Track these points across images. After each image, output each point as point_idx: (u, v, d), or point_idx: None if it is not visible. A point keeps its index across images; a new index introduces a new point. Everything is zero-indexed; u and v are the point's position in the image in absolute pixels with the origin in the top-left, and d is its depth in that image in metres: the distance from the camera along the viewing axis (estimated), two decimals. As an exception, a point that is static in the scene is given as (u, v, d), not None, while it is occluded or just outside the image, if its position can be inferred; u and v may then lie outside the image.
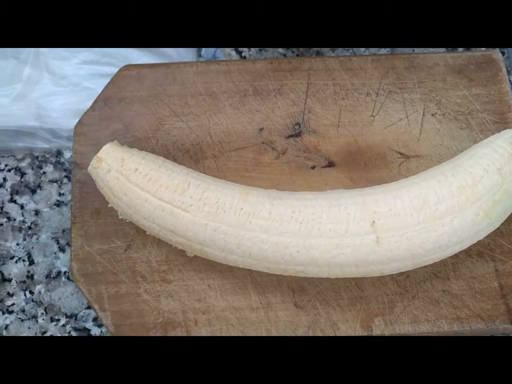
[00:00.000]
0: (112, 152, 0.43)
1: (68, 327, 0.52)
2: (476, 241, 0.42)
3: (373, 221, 0.39)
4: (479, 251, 0.46)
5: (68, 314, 0.52)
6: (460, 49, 0.60)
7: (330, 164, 0.48)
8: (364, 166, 0.48)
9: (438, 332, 0.45)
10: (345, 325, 0.45)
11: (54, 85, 0.56)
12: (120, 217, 0.46)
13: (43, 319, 0.52)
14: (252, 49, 0.60)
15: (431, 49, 0.59)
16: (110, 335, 0.46)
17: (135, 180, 0.42)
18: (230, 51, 0.59)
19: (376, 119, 0.49)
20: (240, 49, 0.60)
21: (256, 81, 0.50)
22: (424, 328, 0.45)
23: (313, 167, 0.48)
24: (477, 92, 0.49)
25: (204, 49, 0.60)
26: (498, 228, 0.44)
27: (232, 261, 0.42)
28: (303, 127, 0.49)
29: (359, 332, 0.45)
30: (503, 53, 0.59)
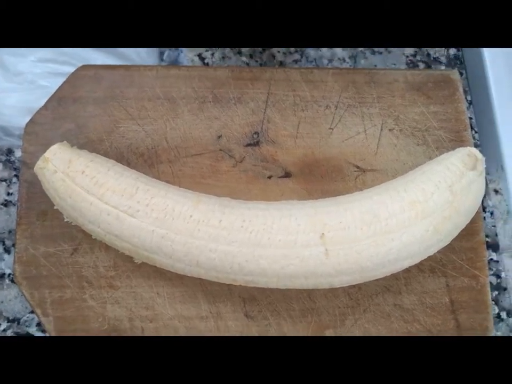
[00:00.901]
0: (60, 153, 0.42)
1: (10, 332, 0.50)
2: (426, 257, 0.42)
3: (323, 233, 0.38)
4: (431, 266, 0.46)
5: (10, 318, 0.50)
6: (420, 66, 0.60)
7: (287, 174, 0.48)
8: (320, 178, 0.48)
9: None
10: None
11: (7, 81, 0.54)
12: (65, 220, 0.44)
13: (-18, 325, 0.49)
14: (215, 56, 0.59)
15: (392, 66, 0.59)
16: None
17: (80, 182, 0.40)
18: (193, 56, 0.58)
19: (334, 132, 0.49)
20: (203, 55, 0.59)
21: (216, 88, 0.50)
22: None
23: (270, 177, 0.48)
24: (435, 110, 0.50)
25: (166, 53, 0.59)
26: (450, 244, 0.45)
27: (180, 269, 0.41)
28: (262, 137, 0.49)
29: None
30: (461, 73, 0.60)
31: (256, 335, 0.45)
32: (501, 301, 0.52)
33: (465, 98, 0.58)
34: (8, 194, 0.53)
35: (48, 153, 0.42)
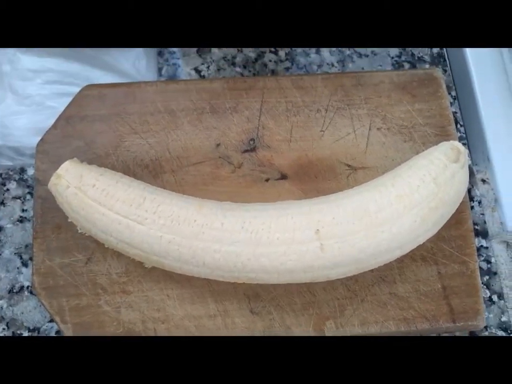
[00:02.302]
0: (71, 169, 0.45)
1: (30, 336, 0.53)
2: (415, 246, 0.45)
3: (317, 229, 0.41)
4: (422, 255, 0.49)
5: (31, 328, 0.53)
6: (406, 66, 0.63)
7: (283, 177, 0.51)
8: (314, 178, 0.51)
9: (386, 332, 0.48)
10: (299, 328, 0.48)
11: (17, 104, 0.57)
12: (79, 231, 0.47)
13: (5, 334, 0.52)
14: (210, 68, 0.62)
15: (378, 67, 0.62)
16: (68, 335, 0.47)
17: (92, 195, 0.43)
18: (190, 70, 0.62)
19: (325, 134, 0.52)
20: (199, 68, 0.62)
21: (213, 99, 0.53)
22: (373, 330, 0.48)
23: (267, 180, 0.51)
24: (420, 107, 0.53)
25: (164, 69, 0.62)
26: (440, 233, 0.47)
27: (188, 270, 0.44)
28: (258, 143, 0.52)
29: (311, 334, 0.48)
30: (445, 70, 0.63)
31: (262, 329, 0.48)
32: (492, 285, 0.55)
33: (450, 93, 0.61)
34: (23, 211, 0.57)
35: (60, 170, 0.45)
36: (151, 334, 0.48)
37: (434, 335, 0.52)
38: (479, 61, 0.61)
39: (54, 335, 0.53)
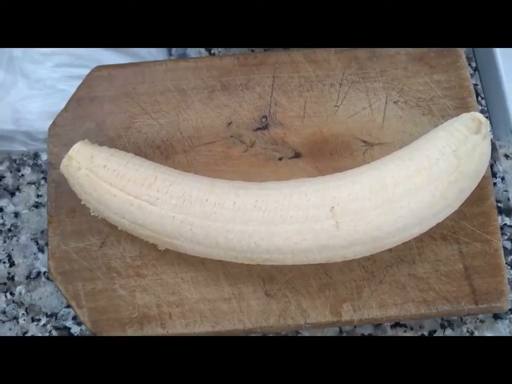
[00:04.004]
0: (82, 150, 0.45)
1: (49, 326, 0.53)
2: (435, 223, 0.43)
3: (332, 206, 0.40)
4: (442, 234, 0.47)
5: (48, 313, 0.53)
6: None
7: (297, 155, 0.50)
8: (329, 156, 0.49)
9: (406, 315, 0.47)
10: (315, 311, 0.47)
11: (29, 88, 0.57)
12: (92, 214, 0.47)
13: (24, 320, 0.53)
14: (220, 45, 0.61)
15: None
16: (90, 335, 0.48)
17: (103, 176, 0.43)
18: (200, 49, 0.60)
19: (340, 109, 0.50)
20: (210, 45, 0.61)
21: (223, 76, 0.51)
22: (392, 312, 0.47)
23: (280, 159, 0.50)
24: (438, 79, 0.50)
25: (174, 48, 0.61)
26: (461, 210, 0.46)
27: (201, 251, 0.44)
28: (270, 120, 0.51)
29: (328, 318, 0.47)
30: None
31: (277, 312, 0.47)
32: (517, 265, 0.53)
33: (470, 65, 0.59)
34: (38, 196, 0.57)
35: (71, 152, 0.44)
36: (166, 317, 0.47)
37: (455, 317, 0.51)
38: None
39: (61, 335, 0.53)
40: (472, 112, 0.44)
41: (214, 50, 0.61)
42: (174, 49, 0.61)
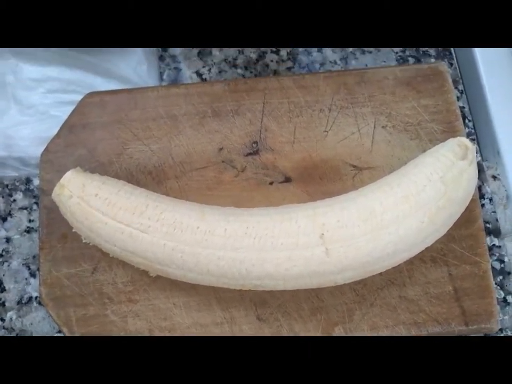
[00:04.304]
0: (74, 178, 0.45)
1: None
2: (424, 248, 0.43)
3: (322, 233, 0.40)
4: (432, 257, 0.48)
5: (41, 338, 0.53)
6: (410, 61, 0.62)
7: (287, 179, 0.50)
8: (319, 180, 0.50)
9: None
10: (307, 334, 0.47)
11: (21, 114, 0.57)
12: (84, 241, 0.47)
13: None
14: (212, 71, 0.62)
15: (383, 63, 0.61)
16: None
17: (95, 205, 0.43)
18: (191, 73, 0.61)
19: (329, 134, 0.51)
20: (201, 71, 0.62)
21: (214, 102, 0.52)
22: (383, 334, 0.47)
23: (271, 183, 0.50)
24: (425, 103, 0.51)
25: (165, 73, 0.62)
26: (449, 233, 0.46)
27: (192, 278, 0.44)
28: (260, 145, 0.51)
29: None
30: (451, 64, 0.61)
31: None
32: (506, 285, 0.53)
33: (457, 88, 0.60)
34: (30, 221, 0.57)
35: (63, 180, 0.45)
36: (159, 342, 0.47)
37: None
38: (487, 54, 0.59)
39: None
40: (458, 138, 0.44)
41: (206, 75, 0.62)
42: (165, 74, 0.62)
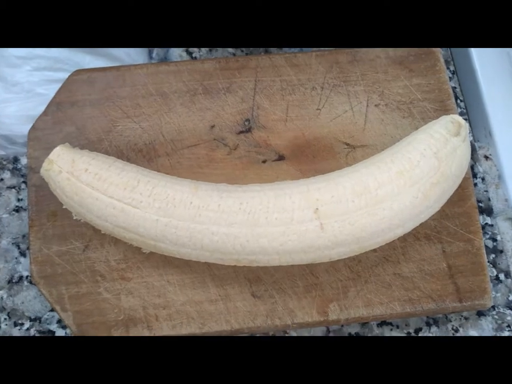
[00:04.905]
0: (63, 154, 0.44)
1: (32, 330, 0.52)
2: (418, 224, 0.44)
3: (316, 208, 0.40)
4: (426, 234, 0.48)
5: (32, 317, 0.52)
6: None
7: (280, 158, 0.50)
8: (312, 158, 0.50)
9: (392, 314, 0.47)
10: (302, 311, 0.47)
11: (6, 92, 0.56)
12: (74, 218, 0.46)
13: (6, 324, 0.52)
14: (202, 50, 0.61)
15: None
16: (73, 335, 0.47)
17: (85, 180, 0.43)
18: (181, 52, 0.60)
19: (322, 112, 0.51)
20: (191, 49, 0.61)
21: (205, 80, 0.52)
22: (378, 311, 0.47)
23: (264, 161, 0.50)
24: (417, 82, 0.51)
25: (154, 51, 0.61)
26: (443, 211, 0.47)
27: (186, 254, 0.43)
28: (253, 123, 0.51)
29: (315, 317, 0.47)
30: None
31: (264, 313, 0.47)
32: (499, 263, 0.54)
33: (449, 68, 0.60)
34: (18, 200, 0.56)
35: (52, 155, 0.44)
36: (153, 320, 0.47)
37: (441, 315, 0.52)
38: (478, 34, 0.59)
39: (58, 335, 0.53)
40: (451, 115, 0.45)
41: (196, 54, 0.61)
42: (154, 53, 0.61)
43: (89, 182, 0.42)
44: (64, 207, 0.46)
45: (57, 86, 0.52)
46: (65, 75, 0.53)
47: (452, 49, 0.62)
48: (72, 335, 0.48)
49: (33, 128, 0.50)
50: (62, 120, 0.50)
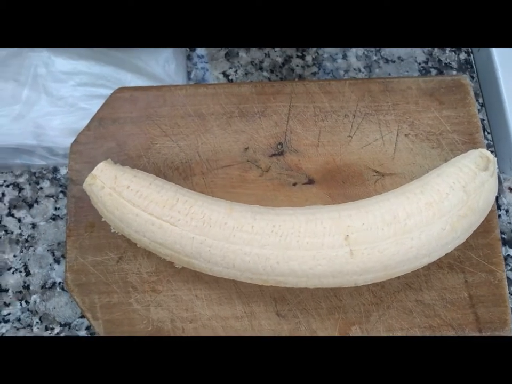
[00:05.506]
0: (106, 170, 0.46)
1: (62, 335, 0.54)
2: (444, 254, 0.45)
3: (347, 235, 0.42)
4: (449, 263, 0.49)
5: (62, 323, 0.55)
6: (432, 72, 0.63)
7: (311, 181, 0.52)
8: (341, 183, 0.51)
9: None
10: (324, 332, 0.48)
11: (51, 105, 0.59)
12: (112, 231, 0.48)
13: (38, 328, 0.54)
14: (238, 72, 0.63)
15: (405, 73, 0.62)
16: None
17: (127, 196, 0.45)
18: (218, 74, 0.63)
19: (353, 139, 0.52)
20: (227, 72, 0.63)
21: (241, 103, 0.54)
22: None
23: (294, 184, 0.52)
24: (447, 114, 0.53)
25: (193, 73, 0.63)
26: (467, 242, 0.48)
27: (217, 272, 0.45)
28: (285, 147, 0.53)
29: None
30: (472, 77, 0.63)
31: (288, 332, 0.48)
32: (520, 295, 0.55)
33: (477, 100, 0.61)
34: (56, 209, 0.58)
35: (95, 171, 0.46)
36: (179, 332, 0.49)
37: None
38: (507, 67, 0.61)
39: (82, 335, 0.55)
40: (480, 149, 0.46)
41: (232, 77, 0.63)
42: (192, 73, 0.63)
43: (130, 198, 0.44)
44: (103, 219, 0.48)
45: (98, 101, 0.54)
46: (106, 91, 0.55)
47: (481, 81, 0.63)
48: (95, 335, 0.49)
49: (75, 142, 0.53)
50: (103, 136, 0.53)
